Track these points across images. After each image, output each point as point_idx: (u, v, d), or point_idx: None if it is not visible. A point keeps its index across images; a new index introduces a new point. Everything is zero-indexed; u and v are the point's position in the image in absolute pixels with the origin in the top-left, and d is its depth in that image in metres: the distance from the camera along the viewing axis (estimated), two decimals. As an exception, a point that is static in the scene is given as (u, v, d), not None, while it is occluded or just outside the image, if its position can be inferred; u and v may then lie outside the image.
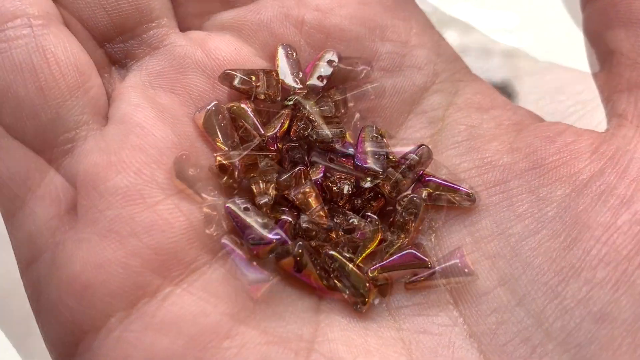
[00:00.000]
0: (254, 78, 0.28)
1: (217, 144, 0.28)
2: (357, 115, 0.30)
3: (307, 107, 0.29)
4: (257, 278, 0.26)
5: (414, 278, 0.27)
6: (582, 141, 0.28)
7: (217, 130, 0.28)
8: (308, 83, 0.30)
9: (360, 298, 0.27)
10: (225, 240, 0.26)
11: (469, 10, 0.47)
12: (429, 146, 0.30)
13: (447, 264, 0.27)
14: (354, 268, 0.27)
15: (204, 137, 0.28)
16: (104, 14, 0.28)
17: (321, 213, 0.27)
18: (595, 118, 0.27)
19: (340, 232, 0.28)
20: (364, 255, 0.28)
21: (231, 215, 0.26)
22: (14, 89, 0.26)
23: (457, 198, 0.28)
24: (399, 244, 0.28)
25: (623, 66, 0.29)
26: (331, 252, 0.27)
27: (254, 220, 0.26)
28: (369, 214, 0.29)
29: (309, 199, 0.28)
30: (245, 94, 0.28)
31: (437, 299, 0.27)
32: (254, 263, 0.26)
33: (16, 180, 0.26)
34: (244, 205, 0.27)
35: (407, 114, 0.31)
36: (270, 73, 0.29)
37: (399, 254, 0.28)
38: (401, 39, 0.31)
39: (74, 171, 0.26)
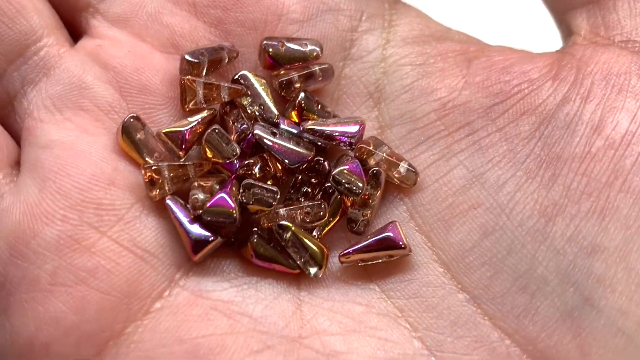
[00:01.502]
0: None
1: (141, 160, 0.26)
2: (302, 94, 0.28)
3: (255, 83, 0.27)
4: (201, 237, 0.25)
5: (346, 250, 0.26)
6: (540, 69, 0.26)
7: (138, 145, 0.26)
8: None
9: (315, 263, 0.26)
10: (169, 201, 0.25)
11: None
12: (376, 94, 0.28)
13: (380, 236, 0.26)
14: (306, 234, 0.26)
15: (127, 153, 0.26)
16: None
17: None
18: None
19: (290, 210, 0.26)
20: (325, 231, 0.27)
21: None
22: None
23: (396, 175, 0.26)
24: (364, 220, 0.26)
25: None
26: (282, 222, 0.26)
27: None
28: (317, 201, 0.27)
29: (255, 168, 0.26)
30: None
31: (422, 261, 0.26)
32: (197, 223, 0.25)
33: None
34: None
35: (342, 62, 0.28)
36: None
37: (375, 237, 0.26)
38: None
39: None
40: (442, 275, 0.25)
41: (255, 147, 0.27)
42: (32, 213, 0.24)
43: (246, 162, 0.26)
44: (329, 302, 0.26)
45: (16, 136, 0.27)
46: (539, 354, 0.24)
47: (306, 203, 0.26)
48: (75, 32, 0.28)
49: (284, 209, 0.26)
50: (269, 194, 0.25)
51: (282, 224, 0.26)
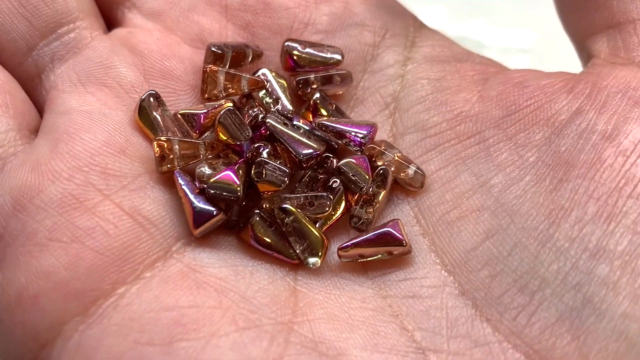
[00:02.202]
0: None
1: (154, 135, 0.26)
2: (318, 94, 0.28)
3: (273, 80, 0.28)
4: (204, 211, 0.25)
5: (345, 244, 0.26)
6: (556, 83, 0.26)
7: (153, 121, 0.27)
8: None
9: (314, 252, 0.25)
10: (177, 173, 0.26)
11: (482, 27, 0.45)
12: (392, 105, 0.28)
13: (380, 231, 0.26)
14: (308, 221, 0.26)
15: (142, 129, 0.27)
16: (25, 23, 0.27)
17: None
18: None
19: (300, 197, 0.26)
20: (324, 224, 0.26)
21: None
22: None
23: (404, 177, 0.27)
24: (367, 219, 0.26)
25: (595, 10, 0.27)
26: (286, 205, 0.26)
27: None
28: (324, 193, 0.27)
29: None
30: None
31: (422, 262, 0.25)
32: (201, 198, 0.25)
33: None
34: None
35: (362, 74, 0.29)
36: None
37: (375, 232, 0.26)
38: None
39: (6, 188, 0.25)
40: (442, 277, 0.25)
41: (267, 139, 0.27)
42: (40, 170, 0.25)
43: (255, 145, 0.26)
44: (324, 293, 0.25)
45: (40, 109, 0.28)
46: (536, 356, 0.23)
47: (311, 194, 0.26)
48: (111, 24, 0.30)
49: (290, 195, 0.26)
50: (280, 173, 0.25)
51: (284, 207, 0.26)
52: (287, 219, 0.26)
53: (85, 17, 0.28)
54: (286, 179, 0.26)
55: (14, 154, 0.26)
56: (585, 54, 0.28)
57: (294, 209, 0.26)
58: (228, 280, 0.25)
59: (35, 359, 0.24)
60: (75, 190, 0.25)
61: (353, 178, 0.26)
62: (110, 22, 0.30)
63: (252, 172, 0.26)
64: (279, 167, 0.26)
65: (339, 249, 0.26)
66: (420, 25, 0.31)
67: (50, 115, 0.27)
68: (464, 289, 0.24)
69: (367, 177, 0.26)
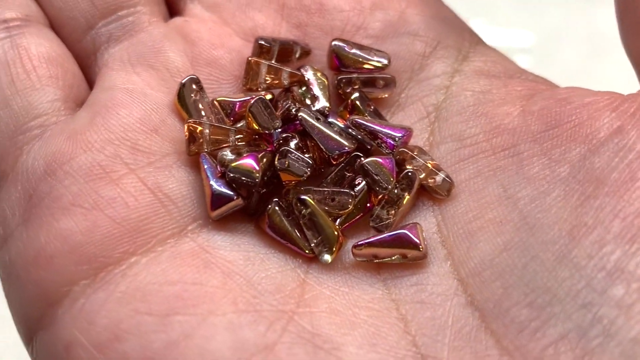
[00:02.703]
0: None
1: (187, 117, 0.27)
2: (357, 94, 0.28)
3: (314, 76, 0.28)
4: (222, 194, 0.25)
5: (360, 242, 0.25)
6: (601, 100, 0.25)
7: (190, 104, 0.27)
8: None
9: (327, 247, 0.25)
10: (203, 155, 0.26)
11: (482, 28, 0.45)
12: (433, 114, 0.28)
13: (396, 232, 0.25)
14: (324, 215, 0.25)
15: (179, 112, 0.27)
16: (88, 2, 0.29)
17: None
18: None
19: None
20: (344, 221, 0.26)
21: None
22: None
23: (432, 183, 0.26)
24: (388, 220, 0.26)
25: None
26: (304, 197, 0.25)
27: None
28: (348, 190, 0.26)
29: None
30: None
31: (437, 270, 0.25)
32: (222, 182, 0.26)
33: None
34: None
35: (408, 82, 0.29)
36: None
37: (391, 233, 0.25)
38: (394, 7, 0.30)
39: (42, 153, 0.26)
40: (455, 288, 0.24)
41: (300, 134, 0.27)
42: (75, 139, 0.26)
43: (284, 135, 0.26)
44: (332, 289, 0.25)
45: (92, 85, 0.29)
46: None
47: (334, 189, 0.26)
48: (175, 14, 0.31)
49: (312, 187, 0.26)
50: (302, 164, 0.25)
51: (302, 198, 0.25)
52: (304, 210, 0.25)
53: (146, 3, 0.29)
54: (308, 170, 0.25)
55: (56, 123, 0.27)
56: None
57: (311, 202, 0.25)
58: (236, 264, 0.25)
59: (42, 315, 0.24)
60: (103, 162, 0.26)
61: (376, 178, 0.25)
62: (174, 11, 0.31)
63: (275, 160, 0.25)
64: (302, 158, 0.25)
65: (354, 246, 0.25)
66: (477, 41, 0.30)
67: (96, 90, 0.28)
68: (474, 300, 0.23)
69: (391, 178, 0.25)
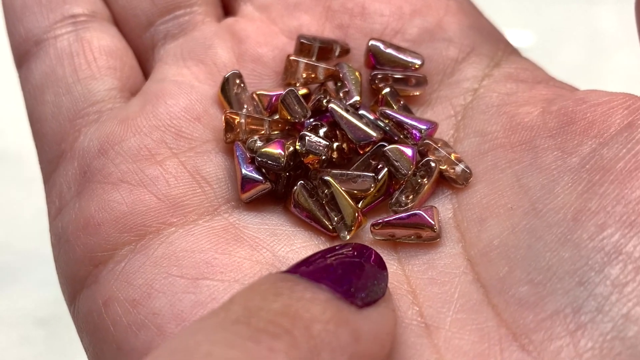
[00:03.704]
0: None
1: (228, 108, 0.29)
2: (388, 89, 0.29)
3: (348, 72, 0.30)
4: (251, 178, 0.27)
5: (378, 221, 0.26)
6: (616, 100, 0.26)
7: (232, 97, 0.29)
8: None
9: (346, 225, 0.26)
10: (237, 143, 0.28)
11: None
12: (460, 114, 0.29)
13: (413, 212, 0.26)
14: (345, 195, 0.27)
15: (221, 103, 0.29)
16: (149, 1, 0.32)
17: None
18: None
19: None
20: (365, 202, 0.27)
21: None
22: (55, 70, 0.31)
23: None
24: (407, 205, 0.27)
25: None
26: (326, 177, 0.27)
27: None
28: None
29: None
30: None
31: (449, 250, 0.26)
32: (252, 167, 0.27)
33: (54, 144, 0.30)
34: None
35: (438, 85, 0.30)
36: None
37: (407, 214, 0.26)
38: (432, 15, 0.31)
39: (97, 135, 0.29)
40: (464, 267, 0.25)
41: (331, 125, 0.29)
42: (126, 124, 0.29)
43: (314, 123, 0.28)
44: None
45: (148, 78, 0.32)
46: (531, 347, 0.22)
47: (356, 172, 0.27)
48: (230, 14, 0.33)
49: (336, 170, 0.27)
50: (321, 144, 0.27)
51: (324, 179, 0.27)
52: (326, 190, 0.27)
53: (202, 4, 0.32)
54: (326, 148, 0.27)
55: (111, 109, 0.30)
56: None
57: (333, 182, 0.27)
58: (264, 240, 0.27)
59: (88, 275, 0.27)
60: (150, 145, 0.28)
61: (396, 164, 0.27)
62: (230, 12, 0.33)
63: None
64: (319, 139, 0.27)
65: (372, 225, 0.26)
66: (511, 51, 0.31)
67: (149, 82, 0.31)
68: (480, 277, 0.25)
69: (411, 165, 0.26)
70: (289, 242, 0.27)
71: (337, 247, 0.24)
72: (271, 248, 0.26)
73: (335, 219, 0.27)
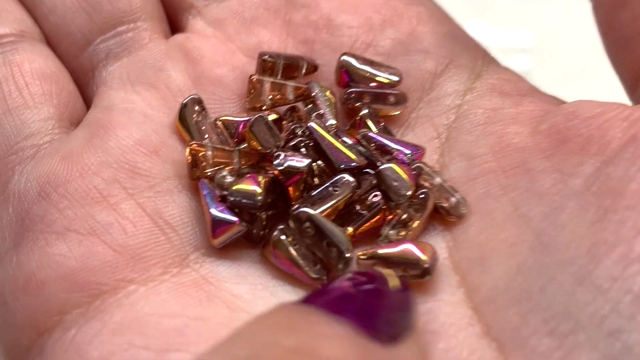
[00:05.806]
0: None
1: (189, 139, 0.26)
2: (366, 110, 0.27)
3: (320, 93, 0.27)
4: (223, 219, 0.24)
5: (365, 250, 0.24)
6: (610, 111, 0.24)
7: (192, 125, 0.26)
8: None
9: (341, 255, 0.23)
10: (202, 181, 0.25)
11: (482, 28, 0.45)
12: (444, 135, 0.26)
13: (402, 246, 0.23)
14: (329, 221, 0.24)
15: (180, 133, 0.26)
16: (85, 17, 0.28)
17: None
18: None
19: None
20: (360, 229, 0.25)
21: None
22: None
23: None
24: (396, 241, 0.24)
25: None
26: (300, 209, 0.24)
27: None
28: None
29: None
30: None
31: (449, 298, 0.23)
32: (223, 207, 0.24)
33: None
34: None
35: (418, 102, 0.27)
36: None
37: (397, 246, 0.23)
38: (404, 24, 0.28)
39: (35, 174, 0.25)
40: (469, 317, 0.22)
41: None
42: (70, 161, 0.25)
43: (292, 144, 0.25)
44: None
45: (89, 103, 0.28)
46: None
47: (330, 182, 0.25)
48: (177, 30, 0.30)
49: (309, 197, 0.24)
50: (302, 160, 0.24)
51: (298, 213, 0.24)
52: (305, 225, 0.24)
53: (147, 19, 0.29)
54: (306, 165, 0.24)
55: (49, 142, 0.26)
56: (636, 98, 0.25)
57: (309, 211, 0.24)
58: (244, 299, 0.23)
59: (32, 346, 0.23)
60: (100, 185, 0.25)
61: (394, 184, 0.24)
62: (176, 27, 0.30)
63: (273, 162, 0.24)
64: (297, 155, 0.24)
65: (359, 255, 0.24)
66: (489, 60, 0.29)
67: (93, 110, 0.27)
68: (490, 329, 0.22)
69: (410, 184, 0.24)
70: (272, 302, 0.23)
71: (355, 274, 0.21)
72: (251, 311, 0.23)
73: (327, 251, 0.23)
